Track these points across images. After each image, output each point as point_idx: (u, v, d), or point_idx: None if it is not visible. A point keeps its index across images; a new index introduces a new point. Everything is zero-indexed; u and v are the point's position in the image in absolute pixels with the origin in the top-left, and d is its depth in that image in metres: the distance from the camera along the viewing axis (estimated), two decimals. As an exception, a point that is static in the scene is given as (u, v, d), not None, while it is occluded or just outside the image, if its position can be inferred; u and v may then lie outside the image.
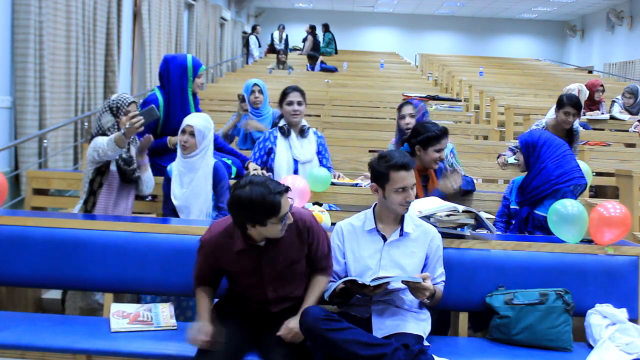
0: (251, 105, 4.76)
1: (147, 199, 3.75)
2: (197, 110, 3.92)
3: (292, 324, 2.51)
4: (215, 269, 2.65)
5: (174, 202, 3.42)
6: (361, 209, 2.95)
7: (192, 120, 3.39)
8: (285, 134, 3.96)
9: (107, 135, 3.34)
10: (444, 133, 3.45)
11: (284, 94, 3.99)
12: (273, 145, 3.95)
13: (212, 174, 3.41)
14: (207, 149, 3.41)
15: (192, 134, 3.34)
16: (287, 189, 2.44)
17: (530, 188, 3.35)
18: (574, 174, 3.37)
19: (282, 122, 4.03)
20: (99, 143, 3.26)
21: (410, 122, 3.98)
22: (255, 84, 4.77)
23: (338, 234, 2.79)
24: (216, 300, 2.75)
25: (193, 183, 3.37)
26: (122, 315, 2.77)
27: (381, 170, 2.67)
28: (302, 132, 3.99)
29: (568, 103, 4.51)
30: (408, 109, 4.06)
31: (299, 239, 2.57)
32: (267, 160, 3.92)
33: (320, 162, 4.06)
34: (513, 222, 3.47)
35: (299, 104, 3.95)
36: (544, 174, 3.33)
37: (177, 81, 3.79)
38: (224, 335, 2.49)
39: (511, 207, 3.49)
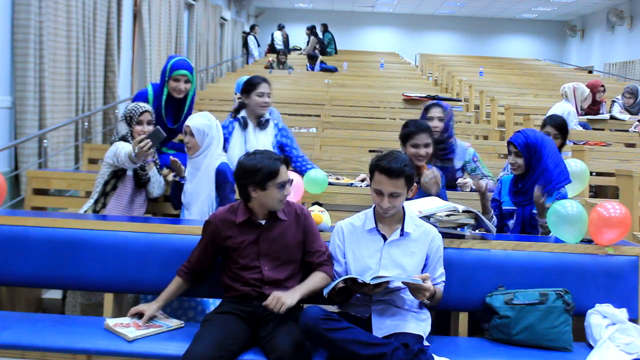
0: None
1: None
2: (181, 114, 3.90)
3: (279, 294, 2.55)
4: (212, 253, 2.78)
5: (182, 198, 3.45)
6: (359, 209, 2.95)
7: (190, 120, 3.40)
8: (243, 125, 3.88)
9: (125, 139, 3.43)
10: (420, 129, 3.42)
11: (253, 84, 3.90)
12: (229, 135, 3.88)
13: (215, 174, 3.38)
14: (211, 147, 3.38)
15: (191, 134, 3.35)
16: (286, 160, 2.72)
17: (534, 189, 3.34)
18: (567, 172, 3.40)
19: (242, 113, 3.94)
20: (120, 150, 3.33)
21: (438, 125, 3.78)
22: None
23: (338, 234, 2.80)
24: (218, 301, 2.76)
25: (195, 181, 3.38)
26: (124, 325, 2.71)
27: (370, 166, 2.73)
28: (261, 125, 3.91)
29: (548, 122, 4.11)
30: (437, 112, 3.82)
31: (296, 222, 2.76)
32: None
33: (290, 156, 3.95)
34: (507, 222, 3.46)
35: (269, 95, 3.90)
36: (546, 174, 3.31)
37: (161, 80, 3.83)
38: (222, 334, 2.52)
39: (504, 207, 3.46)
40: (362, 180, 3.96)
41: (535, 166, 3.33)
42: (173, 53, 10.11)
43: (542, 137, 3.40)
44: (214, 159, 3.39)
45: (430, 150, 3.45)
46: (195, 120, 3.38)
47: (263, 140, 3.87)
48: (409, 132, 3.45)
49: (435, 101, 3.91)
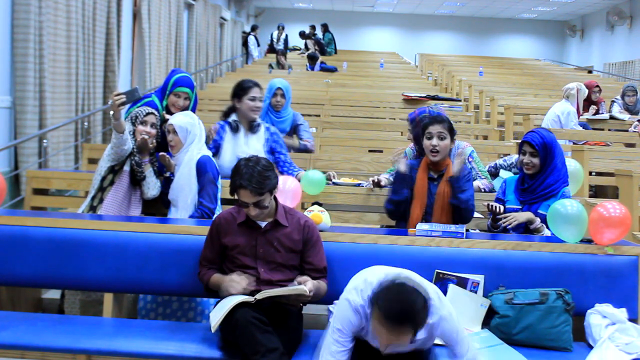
0: (272, 108, 4.59)
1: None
2: None
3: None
4: (218, 249, 2.79)
5: (169, 195, 3.48)
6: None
7: (173, 118, 3.49)
8: (234, 129, 3.84)
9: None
10: (434, 119, 3.37)
11: (244, 88, 3.85)
12: (221, 141, 3.86)
13: (196, 166, 3.42)
14: (193, 144, 3.45)
15: (174, 131, 3.43)
16: (256, 190, 2.62)
17: (543, 186, 3.34)
18: (567, 173, 3.44)
19: (233, 117, 3.92)
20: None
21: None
22: (278, 88, 4.57)
23: None
24: (216, 300, 2.76)
25: (178, 175, 3.43)
26: None
27: (371, 301, 2.23)
28: (252, 128, 3.88)
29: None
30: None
31: (297, 231, 2.78)
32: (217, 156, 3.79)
33: (278, 160, 3.89)
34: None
35: (261, 100, 3.88)
36: (556, 172, 3.35)
37: (160, 92, 3.86)
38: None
39: (508, 206, 3.46)
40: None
41: (549, 164, 3.35)
42: (173, 53, 10.11)
43: (552, 136, 3.45)
44: (195, 153, 3.45)
45: (446, 142, 3.33)
46: (178, 119, 3.47)
47: (254, 145, 3.84)
48: (424, 124, 3.39)
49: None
